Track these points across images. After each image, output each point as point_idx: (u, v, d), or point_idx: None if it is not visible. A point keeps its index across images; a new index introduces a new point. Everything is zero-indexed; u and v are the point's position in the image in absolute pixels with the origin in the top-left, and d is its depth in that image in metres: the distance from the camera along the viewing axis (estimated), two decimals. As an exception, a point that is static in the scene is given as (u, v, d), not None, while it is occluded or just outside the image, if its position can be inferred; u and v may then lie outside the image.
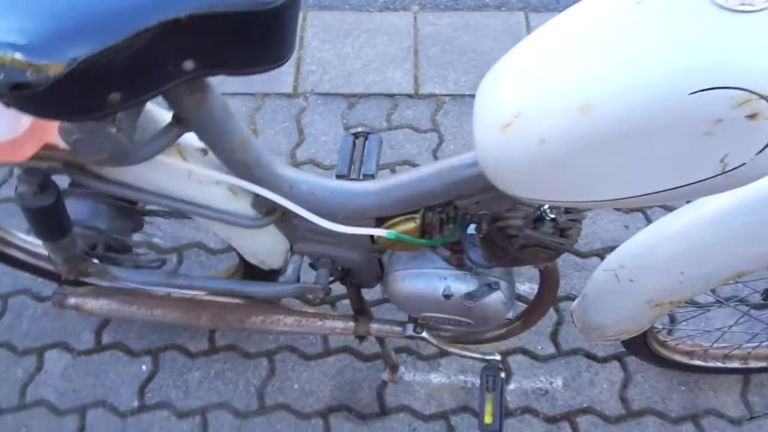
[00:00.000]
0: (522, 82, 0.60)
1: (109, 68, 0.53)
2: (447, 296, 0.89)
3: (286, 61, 0.62)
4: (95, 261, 0.99)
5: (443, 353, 1.30)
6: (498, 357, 1.03)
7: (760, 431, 1.22)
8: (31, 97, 0.52)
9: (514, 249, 0.82)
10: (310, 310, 1.11)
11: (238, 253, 1.03)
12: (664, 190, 0.58)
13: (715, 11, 0.49)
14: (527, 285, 1.38)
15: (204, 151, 0.83)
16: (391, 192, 0.84)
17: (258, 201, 0.86)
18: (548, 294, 0.98)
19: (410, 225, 0.85)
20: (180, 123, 0.72)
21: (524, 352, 1.31)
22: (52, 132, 0.68)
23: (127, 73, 0.55)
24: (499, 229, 0.81)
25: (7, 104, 0.54)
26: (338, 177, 0.94)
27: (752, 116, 0.48)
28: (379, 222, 0.87)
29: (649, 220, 1.47)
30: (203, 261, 1.46)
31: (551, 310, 1.34)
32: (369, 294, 1.31)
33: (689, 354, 1.21)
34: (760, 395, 1.25)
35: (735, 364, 1.21)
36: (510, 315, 0.97)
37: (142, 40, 0.53)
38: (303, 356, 1.32)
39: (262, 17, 0.56)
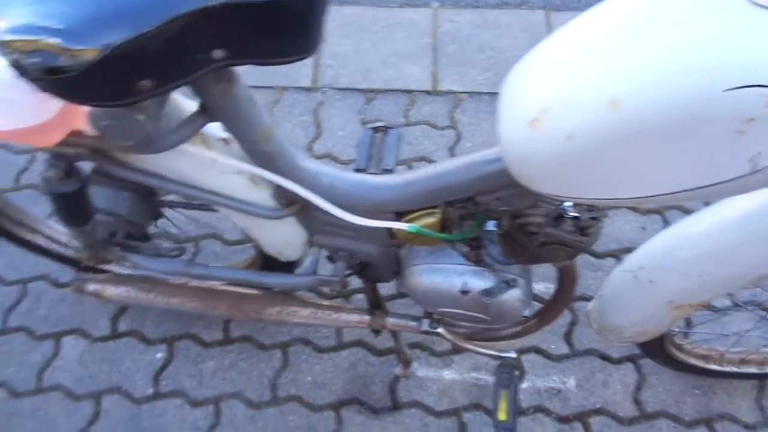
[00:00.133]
0: (550, 77, 0.60)
1: (141, 55, 0.54)
2: (464, 292, 0.89)
3: (314, 52, 0.62)
4: (115, 248, 1.00)
5: (456, 350, 1.30)
6: (514, 354, 1.03)
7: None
8: (65, 81, 0.53)
9: (534, 246, 0.82)
10: (326, 302, 1.11)
11: (256, 245, 1.04)
12: (691, 189, 0.58)
13: (750, 8, 0.48)
14: (542, 284, 1.38)
15: (226, 141, 0.83)
16: (412, 186, 0.84)
17: (278, 192, 0.86)
18: (566, 293, 0.97)
19: (430, 220, 0.85)
20: (205, 112, 0.72)
21: (538, 351, 1.30)
22: (80, 118, 0.69)
23: (157, 61, 0.56)
24: (519, 225, 0.81)
25: (42, 88, 0.55)
26: (357, 171, 0.94)
27: (786, 116, 0.47)
28: (399, 216, 0.87)
29: (666, 222, 1.46)
30: (218, 252, 1.47)
31: (565, 310, 1.33)
32: (382, 289, 1.31)
33: (705, 358, 1.20)
34: (776, 401, 1.24)
35: (751, 369, 1.20)
36: (526, 313, 0.97)
37: (174, 27, 0.53)
38: (316, 349, 1.32)
39: (292, 7, 0.56)
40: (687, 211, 1.47)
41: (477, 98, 1.70)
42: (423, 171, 0.84)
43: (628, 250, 1.41)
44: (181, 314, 1.34)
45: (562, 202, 0.79)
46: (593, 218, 0.79)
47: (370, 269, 1.00)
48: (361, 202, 0.86)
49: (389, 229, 0.89)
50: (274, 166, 0.80)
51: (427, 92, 1.73)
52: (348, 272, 0.98)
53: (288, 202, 0.87)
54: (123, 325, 1.37)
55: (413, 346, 1.31)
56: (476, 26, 1.88)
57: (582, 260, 1.40)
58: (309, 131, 1.66)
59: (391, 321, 1.06)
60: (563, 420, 1.23)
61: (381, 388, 1.28)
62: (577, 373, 1.28)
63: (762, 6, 0.48)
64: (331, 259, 1.00)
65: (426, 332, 1.04)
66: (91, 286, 1.11)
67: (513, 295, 0.89)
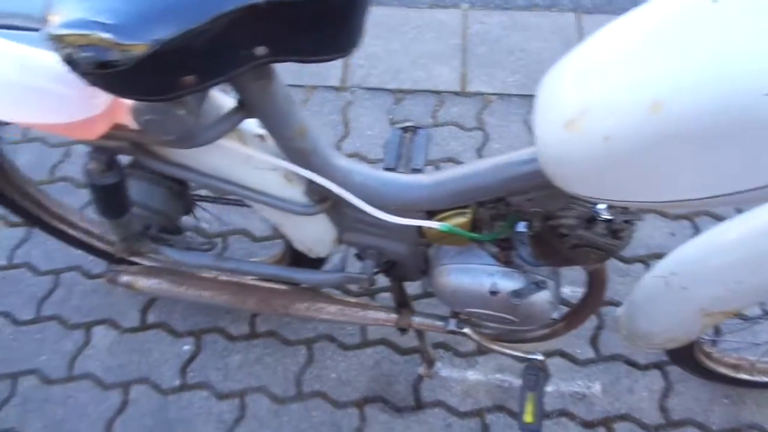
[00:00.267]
0: (588, 79, 0.60)
1: (187, 51, 0.55)
2: (493, 293, 0.89)
3: (354, 50, 0.63)
4: (149, 241, 1.02)
5: (481, 351, 1.30)
6: (540, 356, 1.03)
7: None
8: (114, 75, 0.54)
9: (565, 248, 0.82)
10: (353, 300, 1.12)
11: (285, 241, 1.05)
12: (728, 194, 0.57)
13: (795, 12, 0.48)
14: (568, 288, 1.37)
15: (261, 138, 0.85)
16: (444, 186, 0.84)
17: (311, 189, 0.88)
18: (595, 296, 0.97)
19: (461, 219, 0.85)
20: (243, 108, 0.74)
21: (563, 354, 1.30)
22: (123, 112, 0.70)
23: (202, 57, 0.57)
24: (551, 227, 0.81)
25: (91, 82, 0.57)
26: (386, 170, 0.94)
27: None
28: (429, 215, 0.87)
29: (696, 228, 1.44)
30: (246, 248, 1.49)
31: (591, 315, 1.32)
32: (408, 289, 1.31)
33: (735, 367, 1.18)
34: (807, 413, 1.22)
35: (783, 380, 1.18)
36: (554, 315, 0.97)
37: (220, 24, 0.54)
38: (341, 346, 1.33)
39: (335, 4, 0.57)
40: (717, 218, 1.45)
41: (506, 100, 1.70)
42: (455, 171, 0.84)
43: (657, 255, 1.40)
44: (210, 308, 1.36)
45: (595, 204, 0.78)
46: (626, 221, 0.79)
47: (398, 268, 1.01)
48: (392, 201, 0.86)
49: (419, 228, 0.90)
50: (308, 163, 0.82)
51: (456, 93, 1.73)
52: (376, 270, 0.99)
53: (320, 199, 0.88)
54: (152, 317, 1.40)
55: (437, 346, 1.32)
56: (506, 28, 1.88)
57: (610, 265, 1.38)
58: (337, 130, 1.67)
59: (417, 320, 1.07)
60: (587, 425, 1.22)
61: (405, 387, 1.28)
62: (602, 378, 1.27)
63: (809, 9, 0.47)
64: (359, 256, 1.00)
65: (452, 332, 1.04)
66: (124, 278, 1.14)
67: (542, 296, 0.89)
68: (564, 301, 1.33)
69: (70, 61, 0.54)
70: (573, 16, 1.89)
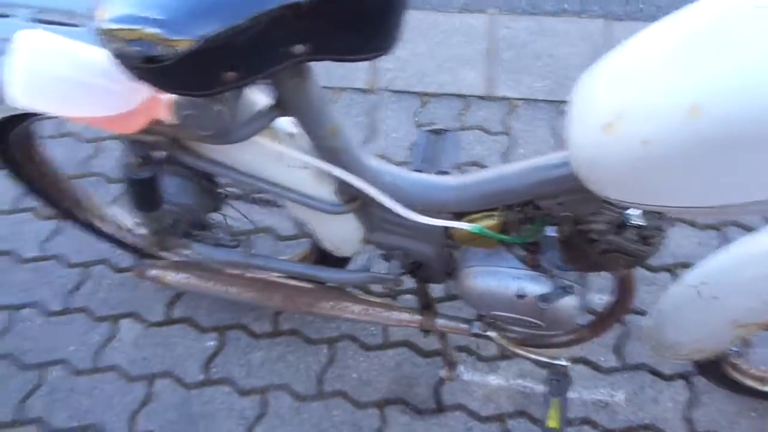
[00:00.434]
0: (625, 83, 0.60)
1: (230, 48, 0.56)
2: (520, 296, 0.89)
3: (391, 50, 0.64)
4: (179, 236, 1.04)
5: (503, 355, 1.29)
6: (565, 362, 1.02)
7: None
8: (160, 70, 0.55)
9: (594, 253, 0.82)
10: (378, 300, 1.13)
11: (312, 239, 1.06)
12: (766, 200, 0.57)
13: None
14: (593, 295, 1.36)
15: (292, 136, 0.85)
16: (473, 187, 0.84)
17: (341, 188, 0.88)
18: (623, 303, 0.96)
19: (489, 222, 0.85)
20: (279, 106, 0.75)
21: (586, 362, 1.29)
22: (162, 107, 0.72)
23: (243, 53, 0.58)
24: (580, 232, 0.81)
25: (137, 76, 0.58)
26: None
27: None
28: (457, 217, 0.87)
29: (724, 238, 1.42)
30: (271, 246, 1.50)
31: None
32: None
33: (763, 380, 1.16)
34: (837, 430, 1.19)
35: (812, 395, 1.16)
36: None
37: (262, 21, 0.55)
38: (363, 346, 1.34)
39: (375, 4, 0.58)
40: (746, 228, 1.43)
41: (533, 105, 1.70)
42: (484, 173, 0.84)
43: (685, 265, 1.38)
44: (235, 304, 1.37)
45: (626, 209, 0.78)
46: (657, 228, 0.78)
47: (424, 269, 1.01)
48: (421, 202, 0.87)
49: (446, 230, 0.90)
50: (340, 162, 0.82)
51: (482, 97, 1.73)
52: (402, 271, 0.99)
53: (350, 198, 0.89)
54: (177, 312, 1.41)
55: (459, 349, 1.31)
56: (533, 33, 1.87)
57: (636, 274, 1.38)
58: (364, 132, 1.68)
59: (441, 322, 1.07)
60: (610, 434, 1.21)
61: (426, 389, 1.28)
62: (626, 387, 1.26)
63: None
64: (386, 257, 1.01)
65: (477, 335, 1.04)
66: (153, 272, 1.16)
67: (570, 301, 0.88)
68: (589, 309, 1.32)
69: (119, 56, 0.55)
70: (602, 23, 1.88)
